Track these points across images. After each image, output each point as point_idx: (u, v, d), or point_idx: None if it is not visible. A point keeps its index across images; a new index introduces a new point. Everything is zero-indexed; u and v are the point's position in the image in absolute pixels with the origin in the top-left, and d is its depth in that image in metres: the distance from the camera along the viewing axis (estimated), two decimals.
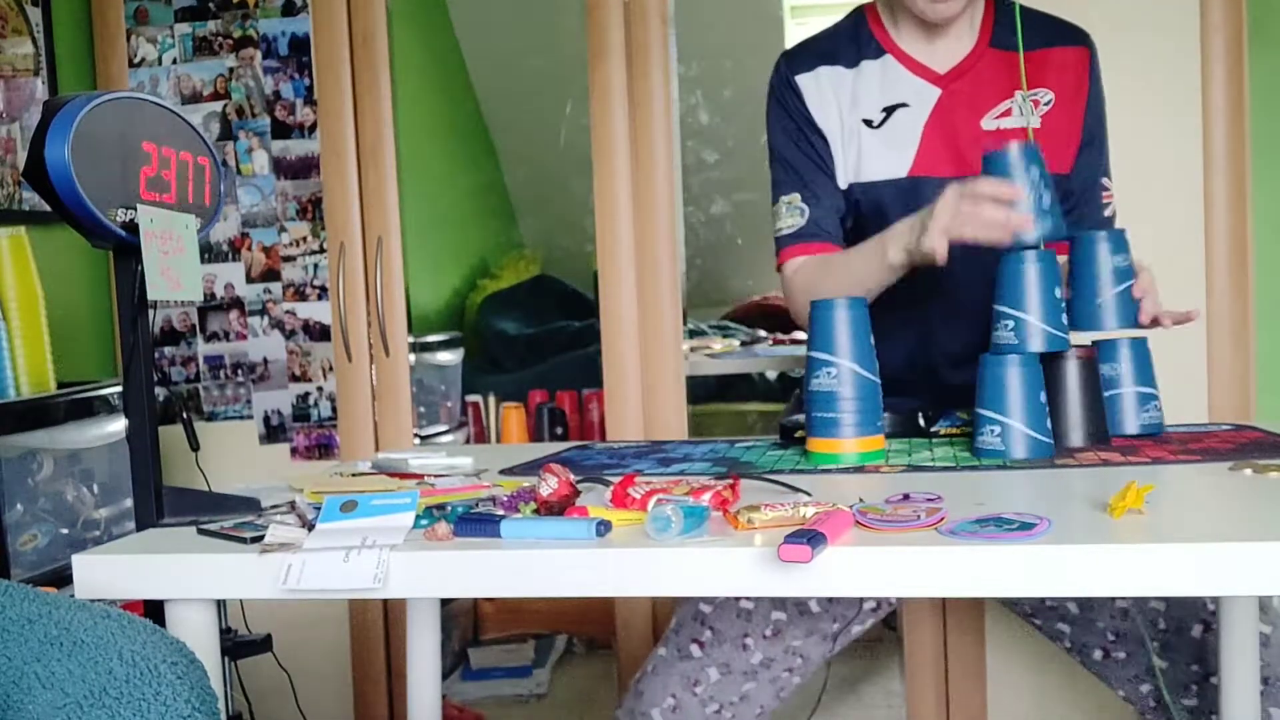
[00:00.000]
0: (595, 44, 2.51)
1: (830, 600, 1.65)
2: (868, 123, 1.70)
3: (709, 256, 4.34)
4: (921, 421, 1.58)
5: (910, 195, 1.65)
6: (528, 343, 4.25)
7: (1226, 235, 2.31)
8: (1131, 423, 1.51)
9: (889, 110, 1.70)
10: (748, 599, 1.64)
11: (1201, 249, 2.32)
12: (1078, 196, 1.71)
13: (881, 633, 3.27)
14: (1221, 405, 2.32)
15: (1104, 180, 1.75)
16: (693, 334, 3.89)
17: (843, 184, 1.71)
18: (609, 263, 2.55)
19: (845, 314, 1.38)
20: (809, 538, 0.96)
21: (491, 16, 4.40)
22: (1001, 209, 1.40)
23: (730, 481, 1.20)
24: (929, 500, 1.12)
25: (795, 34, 4.08)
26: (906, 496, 1.15)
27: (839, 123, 1.71)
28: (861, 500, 1.13)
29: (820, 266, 1.69)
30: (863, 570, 1.00)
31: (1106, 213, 1.75)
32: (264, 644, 1.63)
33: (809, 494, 1.20)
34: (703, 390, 3.83)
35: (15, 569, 2.05)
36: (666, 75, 2.51)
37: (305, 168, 2.64)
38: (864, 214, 1.71)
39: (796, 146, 1.73)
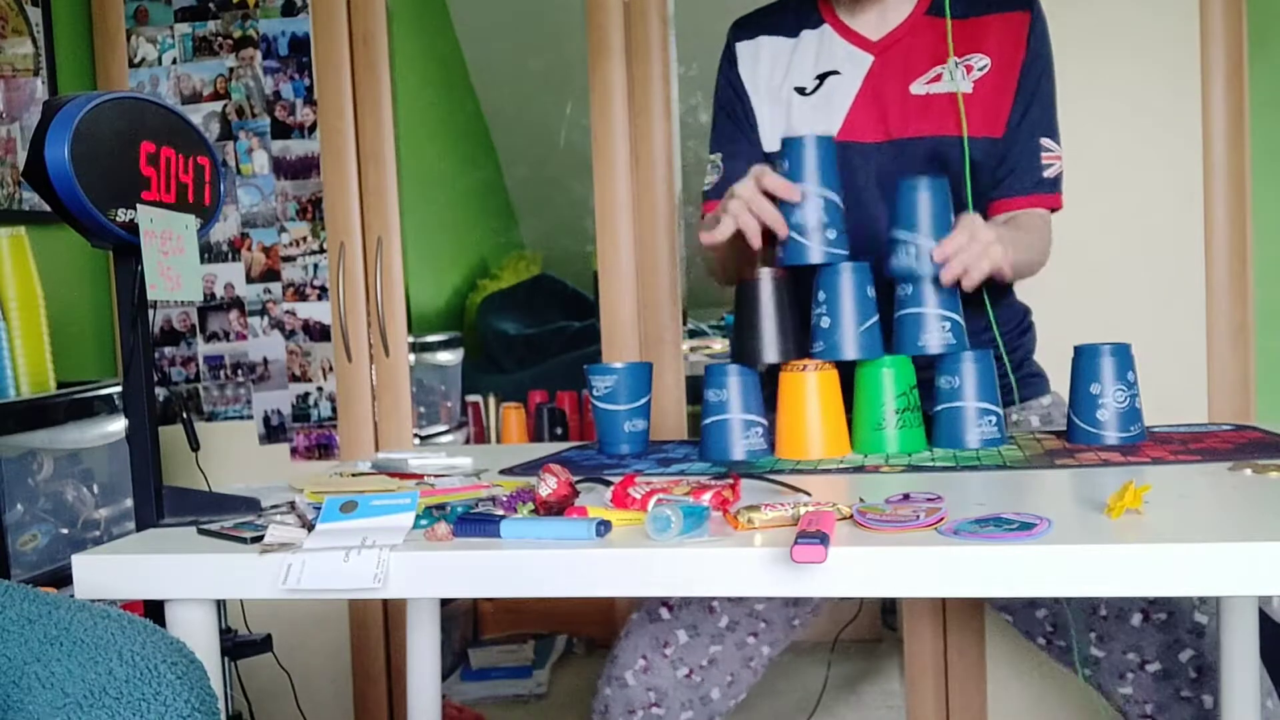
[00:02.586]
0: (595, 44, 2.51)
1: None
2: (800, 90, 1.73)
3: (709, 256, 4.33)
4: None
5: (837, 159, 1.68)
6: (528, 343, 4.25)
7: (1226, 236, 2.31)
8: (973, 436, 1.49)
9: (822, 77, 1.73)
10: None
11: (1201, 250, 2.32)
12: (1013, 157, 1.69)
13: (881, 633, 3.27)
14: (1221, 405, 2.32)
15: (1044, 140, 1.70)
16: (693, 334, 3.89)
17: (767, 150, 1.75)
18: (609, 263, 2.55)
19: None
20: (820, 538, 0.96)
21: (491, 16, 4.40)
22: (762, 211, 1.48)
23: (730, 481, 1.20)
24: (929, 500, 1.12)
25: None
26: (906, 496, 1.15)
27: (768, 91, 1.75)
28: (861, 500, 1.13)
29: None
30: (863, 570, 1.00)
31: (1047, 174, 1.70)
32: (264, 644, 1.63)
33: (809, 494, 1.20)
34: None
35: (15, 569, 2.05)
36: (666, 75, 2.51)
37: (305, 168, 2.64)
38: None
39: (727, 109, 1.80)
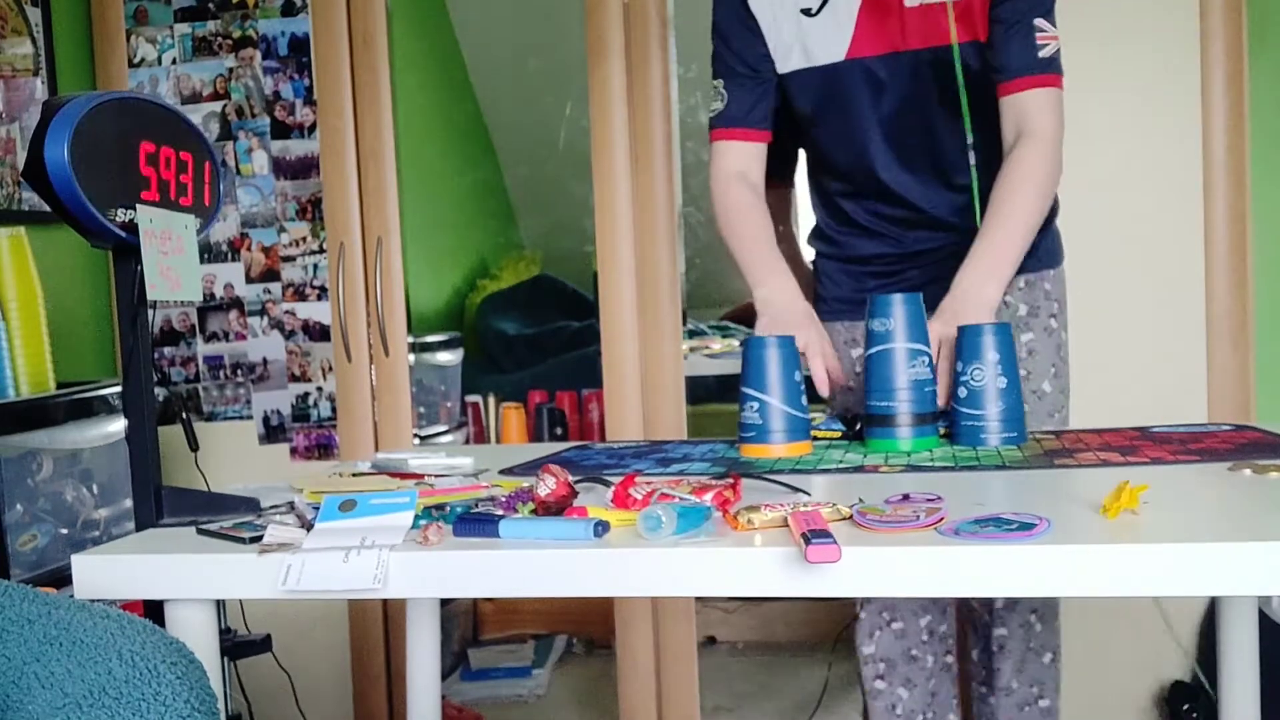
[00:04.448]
0: (595, 44, 2.51)
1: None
2: (806, 11, 1.77)
3: (709, 256, 4.33)
4: None
5: (846, 77, 1.75)
6: (527, 343, 4.25)
7: (1226, 236, 2.31)
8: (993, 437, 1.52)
9: None
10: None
11: (1201, 250, 2.32)
12: (1002, 36, 1.69)
13: None
14: (1221, 405, 2.32)
15: (1039, 20, 1.69)
16: (692, 334, 3.89)
17: (782, 72, 1.80)
18: (609, 263, 2.55)
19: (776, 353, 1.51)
20: (831, 537, 0.96)
21: (491, 16, 4.40)
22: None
23: (730, 481, 1.20)
24: (929, 500, 1.12)
25: None
26: (906, 496, 1.15)
27: (775, 14, 1.78)
28: (861, 500, 1.13)
29: (743, 210, 1.83)
30: (863, 570, 1.00)
31: (1042, 53, 1.69)
32: (264, 644, 1.63)
33: (809, 494, 1.20)
34: (703, 390, 3.83)
35: (15, 569, 2.05)
36: (666, 75, 2.50)
37: (305, 168, 2.64)
38: (806, 99, 1.80)
39: (731, 35, 1.83)
